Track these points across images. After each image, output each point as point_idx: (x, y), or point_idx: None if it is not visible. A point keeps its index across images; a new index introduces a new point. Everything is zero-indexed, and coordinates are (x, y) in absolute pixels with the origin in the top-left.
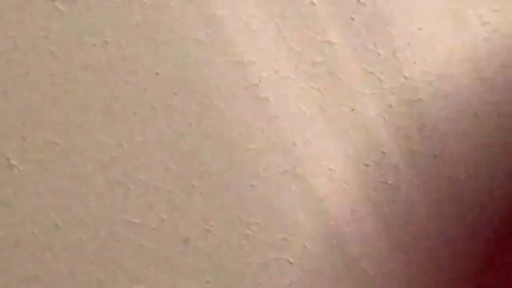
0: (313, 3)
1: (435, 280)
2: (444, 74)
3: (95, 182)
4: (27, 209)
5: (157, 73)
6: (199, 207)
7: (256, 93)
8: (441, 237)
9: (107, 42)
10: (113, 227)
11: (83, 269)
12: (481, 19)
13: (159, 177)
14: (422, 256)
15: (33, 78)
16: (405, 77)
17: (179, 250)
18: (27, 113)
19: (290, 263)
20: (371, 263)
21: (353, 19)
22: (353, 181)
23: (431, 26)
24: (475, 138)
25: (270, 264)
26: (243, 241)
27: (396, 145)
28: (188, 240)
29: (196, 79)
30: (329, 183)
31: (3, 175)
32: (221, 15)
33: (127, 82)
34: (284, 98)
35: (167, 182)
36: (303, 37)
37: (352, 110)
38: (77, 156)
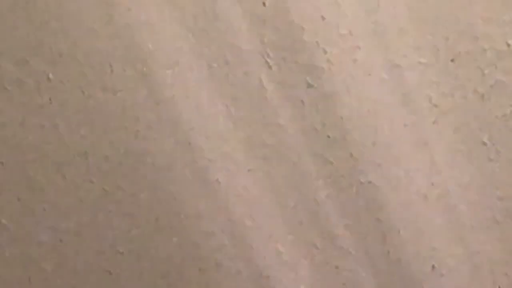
0: (263, 86)
1: None
2: (393, 157)
3: (44, 265)
4: None
5: (106, 157)
6: None
7: (206, 175)
8: None
9: (58, 124)
10: None
11: None
12: (430, 101)
13: (110, 261)
14: None
15: None
16: (355, 160)
17: None
18: None
19: None
20: None
21: (303, 101)
22: (303, 264)
23: (380, 108)
24: (424, 221)
25: None
26: None
27: (346, 228)
28: None
29: (145, 161)
30: (278, 265)
31: None
32: (171, 97)
33: (77, 165)
34: (234, 180)
35: (117, 266)
36: (253, 119)
37: (302, 192)
38: (26, 239)
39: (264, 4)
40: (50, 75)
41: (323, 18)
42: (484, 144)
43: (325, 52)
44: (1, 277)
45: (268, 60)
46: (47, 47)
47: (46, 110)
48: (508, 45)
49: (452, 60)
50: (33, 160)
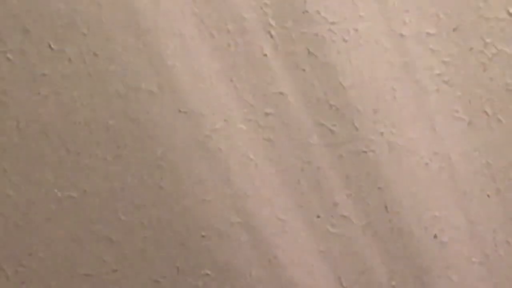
0: (265, 54)
1: None
2: (395, 126)
3: (46, 233)
4: None
5: (107, 126)
6: (150, 258)
7: (208, 144)
8: None
9: (59, 93)
10: (65, 280)
11: None
12: (432, 70)
13: (112, 229)
14: None
15: None
16: (356, 128)
17: None
18: None
19: None
20: None
21: (304, 70)
22: (304, 232)
23: (382, 77)
24: (426, 190)
25: None
26: None
27: (347, 197)
28: None
29: (147, 130)
30: (280, 234)
31: None
32: (172, 65)
33: (79, 134)
34: (236, 149)
35: (119, 233)
36: (255, 88)
37: (304, 161)
38: (28, 207)
39: None
40: (52, 44)
41: None
42: (486, 113)
43: (327, 21)
44: (4, 244)
45: (270, 29)
46: (48, 16)
47: (47, 80)
48: (510, 14)
49: (454, 29)
50: (34, 129)
